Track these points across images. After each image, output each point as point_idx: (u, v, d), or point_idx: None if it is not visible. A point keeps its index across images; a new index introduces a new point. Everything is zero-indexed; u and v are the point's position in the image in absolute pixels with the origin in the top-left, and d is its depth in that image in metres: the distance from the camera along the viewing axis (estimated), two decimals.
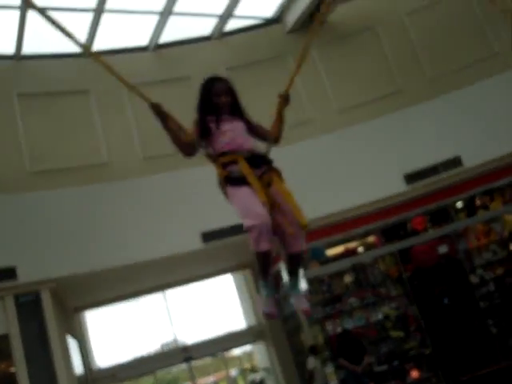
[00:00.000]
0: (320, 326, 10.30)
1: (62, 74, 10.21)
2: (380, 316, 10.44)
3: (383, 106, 10.80)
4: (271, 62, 11.06)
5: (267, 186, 3.21)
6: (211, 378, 15.73)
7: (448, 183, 10.51)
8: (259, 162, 3.29)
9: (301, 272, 3.56)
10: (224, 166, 3.27)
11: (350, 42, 11.22)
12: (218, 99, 3.34)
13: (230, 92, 3.40)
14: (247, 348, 14.27)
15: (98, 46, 10.19)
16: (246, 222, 3.02)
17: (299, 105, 10.62)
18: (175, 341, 12.79)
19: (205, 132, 3.33)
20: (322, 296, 10.47)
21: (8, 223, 9.02)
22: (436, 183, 10.49)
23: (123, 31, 10.50)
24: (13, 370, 8.90)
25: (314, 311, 10.00)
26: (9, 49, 9.92)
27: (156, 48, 11.05)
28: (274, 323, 12.39)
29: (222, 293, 13.10)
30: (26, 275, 8.93)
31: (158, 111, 3.21)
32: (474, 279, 10.39)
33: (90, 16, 9.80)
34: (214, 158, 3.32)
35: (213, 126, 3.32)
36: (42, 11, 3.27)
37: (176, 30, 10.90)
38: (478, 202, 10.78)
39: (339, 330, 10.16)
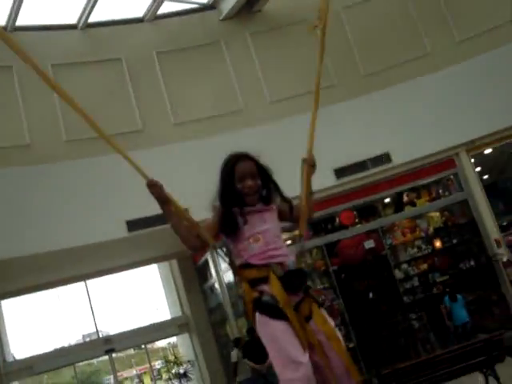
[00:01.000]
0: (245, 318, 10.21)
1: None
2: None
3: None
4: (204, 48, 10.82)
5: (305, 319, 2.58)
6: (134, 371, 15.46)
7: (377, 179, 10.62)
8: (296, 284, 2.63)
9: None
10: (251, 282, 2.65)
11: (286, 32, 11.07)
12: (242, 184, 2.72)
13: (259, 173, 2.77)
14: (171, 340, 14.07)
15: (23, 21, 9.65)
16: (285, 375, 2.46)
17: (232, 94, 10.46)
18: (97, 332, 12.43)
19: (231, 228, 2.68)
20: None
21: None
22: (365, 178, 10.57)
23: (50, 7, 9.96)
24: None
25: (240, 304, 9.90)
26: None
27: (85, 27, 10.57)
28: (199, 315, 12.25)
29: (146, 283, 12.84)
30: None
31: (158, 195, 2.58)
32: (398, 274, 10.60)
33: None
34: (239, 269, 2.69)
35: (240, 220, 2.67)
36: None
37: (107, 10, 10.45)
38: (405, 199, 10.95)
39: None
